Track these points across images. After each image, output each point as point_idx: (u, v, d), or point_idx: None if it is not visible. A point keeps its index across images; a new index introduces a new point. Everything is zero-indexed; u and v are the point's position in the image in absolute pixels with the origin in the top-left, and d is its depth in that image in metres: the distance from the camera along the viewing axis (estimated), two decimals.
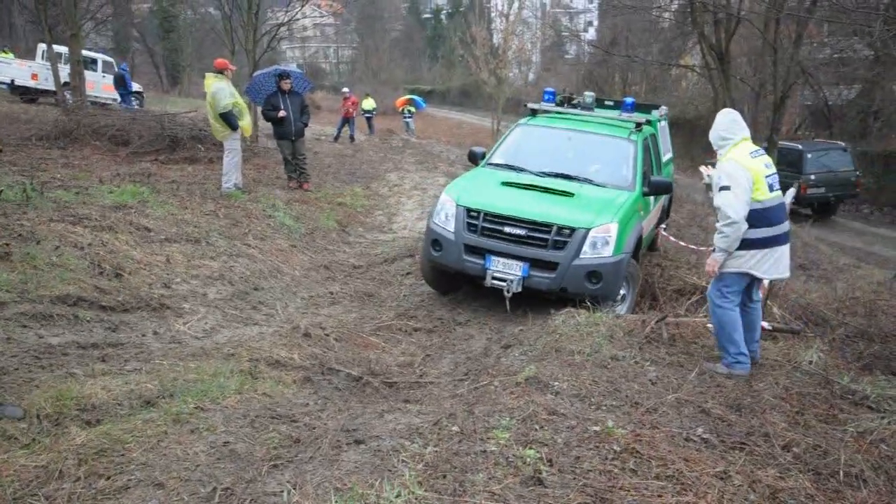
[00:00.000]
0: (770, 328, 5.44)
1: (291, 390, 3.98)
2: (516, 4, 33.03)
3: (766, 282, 5.60)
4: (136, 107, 19.65)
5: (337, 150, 18.55)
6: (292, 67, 11.49)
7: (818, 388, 4.44)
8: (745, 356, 4.57)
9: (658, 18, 29.37)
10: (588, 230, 5.90)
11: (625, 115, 7.61)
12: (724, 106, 15.18)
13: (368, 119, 25.69)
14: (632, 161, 7.06)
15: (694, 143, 26.59)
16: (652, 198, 7.34)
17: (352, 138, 21.90)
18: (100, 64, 22.81)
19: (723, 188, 4.34)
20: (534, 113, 7.99)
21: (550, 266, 5.96)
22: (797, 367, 4.80)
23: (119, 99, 20.44)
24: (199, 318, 5.20)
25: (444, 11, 67.56)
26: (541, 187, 6.44)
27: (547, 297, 6.10)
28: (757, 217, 4.35)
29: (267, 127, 11.87)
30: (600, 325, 5.23)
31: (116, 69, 21.76)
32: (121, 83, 20.42)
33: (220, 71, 9.20)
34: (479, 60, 29.27)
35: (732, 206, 4.27)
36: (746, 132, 4.58)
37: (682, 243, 7.69)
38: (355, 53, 67.80)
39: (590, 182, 6.74)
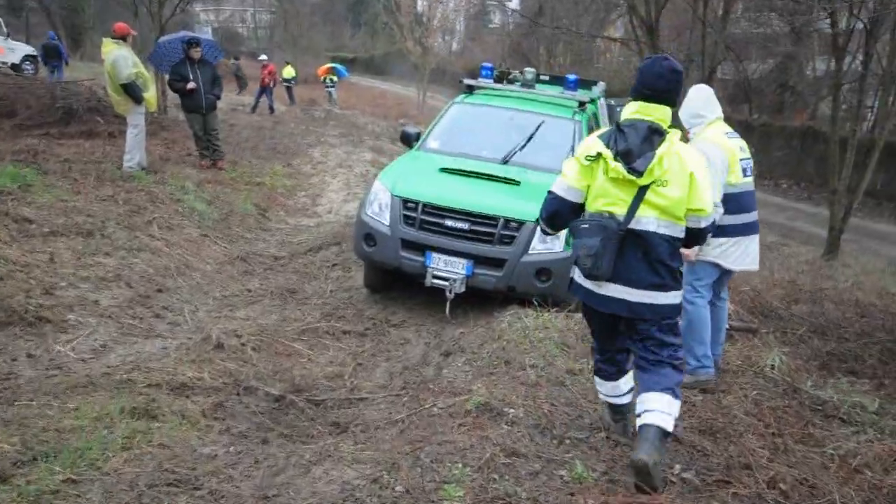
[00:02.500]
0: (727, 327, 5.12)
1: (197, 431, 3.30)
2: None
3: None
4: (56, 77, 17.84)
5: (255, 123, 17.46)
6: (204, 34, 10.43)
7: (787, 400, 4.11)
8: (709, 359, 4.21)
9: None
10: (536, 223, 5.39)
11: (567, 94, 7.10)
12: None
13: (289, 88, 24.44)
14: (577, 142, 6.58)
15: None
16: None
17: (271, 109, 20.75)
18: None
19: None
20: (470, 90, 7.38)
21: (497, 263, 5.44)
22: (760, 372, 4.47)
23: (52, 72, 18.51)
24: (87, 333, 4.40)
25: None
26: (483, 174, 5.88)
27: (492, 297, 5.59)
28: (729, 202, 4.00)
29: (175, 97, 10.78)
30: (551, 330, 4.76)
31: (47, 39, 19.71)
32: (54, 55, 18.62)
33: (121, 37, 8.17)
34: (404, 28, 28.33)
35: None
36: (720, 111, 4.19)
37: None
38: (274, 18, 64.97)
39: (535, 167, 6.22)
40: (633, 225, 2.89)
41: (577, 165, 2.99)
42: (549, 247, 5.42)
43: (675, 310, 3.02)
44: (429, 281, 5.50)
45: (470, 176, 5.89)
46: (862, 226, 15.52)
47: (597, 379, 3.35)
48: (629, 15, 15.13)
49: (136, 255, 5.81)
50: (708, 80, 15.43)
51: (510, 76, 7.53)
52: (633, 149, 2.83)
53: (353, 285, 6.47)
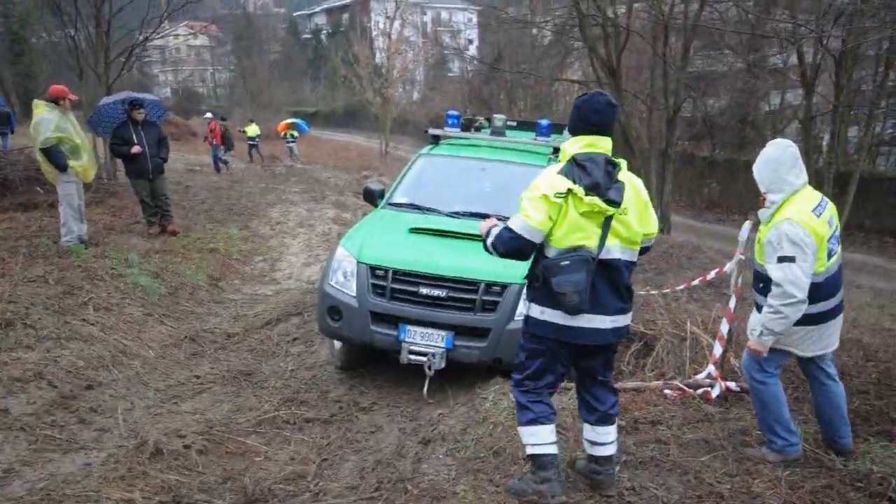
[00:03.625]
0: (738, 389, 4.58)
1: None
2: (398, 23, 32.19)
3: (724, 330, 4.76)
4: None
5: (213, 184, 16.82)
6: (161, 95, 9.80)
7: (824, 478, 3.55)
8: (795, 435, 3.70)
9: (540, 34, 29.41)
10: (523, 285, 4.84)
11: (540, 140, 6.65)
12: (620, 123, 14.89)
13: (253, 146, 23.97)
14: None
15: None
16: None
17: (218, 167, 20.03)
18: None
19: (783, 258, 3.35)
20: (436, 140, 6.89)
21: (480, 333, 4.84)
22: None
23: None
24: None
25: (324, 31, 65.98)
26: (458, 233, 5.31)
27: (474, 369, 4.98)
28: (813, 290, 3.41)
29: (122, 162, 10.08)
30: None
31: None
32: (4, 121, 17.84)
33: (54, 99, 7.54)
34: (363, 80, 28.15)
35: (798, 282, 3.32)
36: (806, 176, 3.57)
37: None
38: (233, 76, 64.78)
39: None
40: (602, 255, 2.99)
41: (545, 205, 2.96)
42: None
43: (629, 330, 3.30)
44: (405, 358, 4.88)
45: (444, 236, 5.32)
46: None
47: (530, 428, 3.17)
48: (590, 57, 15.04)
49: (65, 346, 5.09)
50: (673, 119, 15.39)
51: (477, 124, 7.07)
52: (600, 182, 2.93)
53: (317, 362, 5.81)
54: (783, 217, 3.41)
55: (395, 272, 4.97)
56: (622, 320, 3.10)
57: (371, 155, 32.40)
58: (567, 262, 2.92)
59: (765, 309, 3.46)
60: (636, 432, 3.94)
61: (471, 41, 53.30)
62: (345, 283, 5.12)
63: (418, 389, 4.95)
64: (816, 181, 9.71)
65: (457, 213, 5.73)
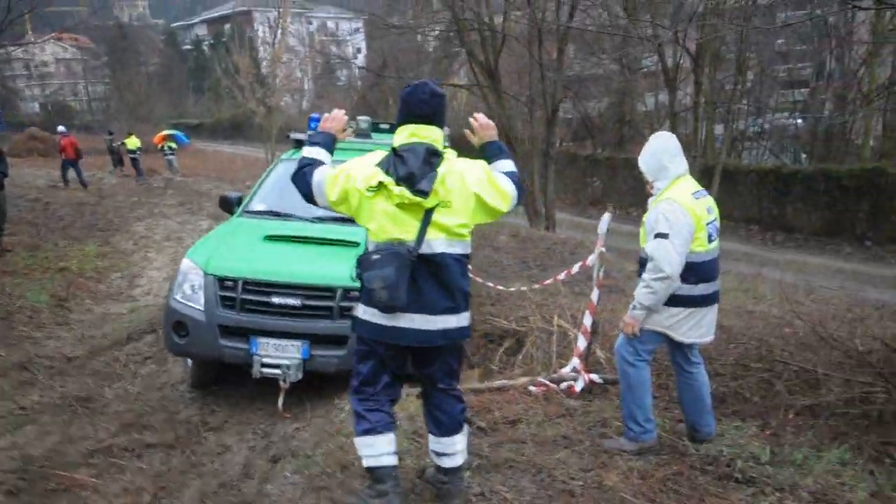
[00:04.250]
0: (602, 381, 4.53)
1: None
2: (279, 32, 31.36)
3: (588, 323, 4.71)
4: None
5: (77, 199, 15.70)
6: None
7: (675, 465, 3.51)
8: (652, 423, 3.69)
9: (424, 41, 29.49)
10: None
11: (381, 138, 6.44)
12: (500, 123, 15.01)
13: (134, 160, 22.57)
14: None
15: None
16: None
17: (83, 184, 18.63)
18: None
19: (659, 235, 3.43)
20: (299, 145, 6.57)
21: (338, 341, 4.56)
22: None
23: None
24: None
25: (206, 42, 63.61)
26: (318, 238, 5.03)
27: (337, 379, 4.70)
28: (689, 271, 3.49)
29: None
30: (400, 416, 3.93)
31: None
32: None
33: None
34: (245, 90, 27.15)
35: (669, 258, 3.40)
36: (686, 165, 3.67)
37: (491, 284, 6.66)
38: (109, 89, 61.32)
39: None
40: (423, 249, 2.82)
41: (344, 189, 2.87)
42: None
43: (466, 333, 2.97)
44: (257, 372, 4.54)
45: (301, 242, 5.02)
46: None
47: (366, 439, 2.95)
48: (469, 61, 15.08)
49: None
50: (552, 119, 15.67)
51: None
52: (415, 172, 2.77)
53: (168, 381, 5.36)
54: (662, 198, 3.52)
55: (246, 282, 4.63)
56: (453, 321, 2.87)
57: (258, 165, 31.24)
58: (378, 257, 2.77)
59: (639, 284, 3.56)
60: (494, 433, 3.78)
61: (359, 50, 52.96)
62: (191, 297, 4.73)
63: (274, 404, 4.61)
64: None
65: (320, 217, 5.44)
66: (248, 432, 4.44)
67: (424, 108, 2.88)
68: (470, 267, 7.18)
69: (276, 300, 4.58)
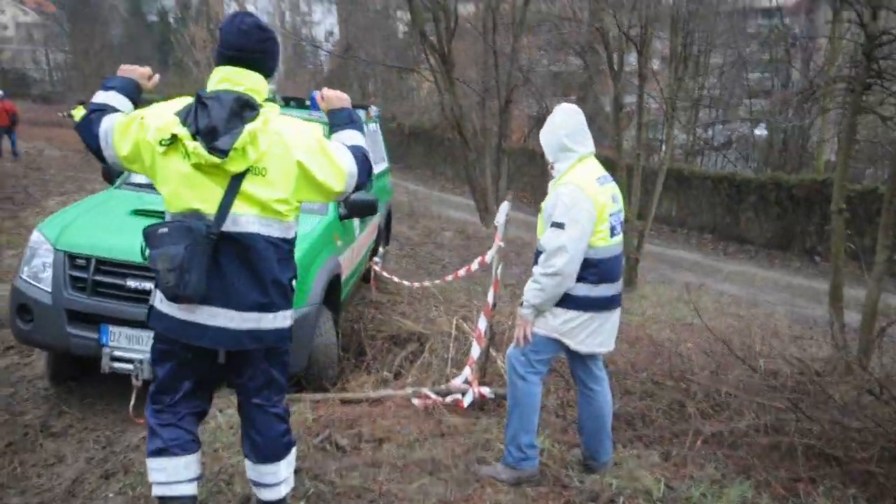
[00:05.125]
0: (493, 395, 4.09)
1: None
2: (250, 6, 30.51)
3: (483, 327, 4.26)
4: None
5: (2, 169, 14.83)
6: None
7: (550, 500, 3.09)
8: (535, 449, 3.25)
9: (394, 25, 28.90)
10: None
11: (314, 115, 5.92)
12: (452, 112, 14.53)
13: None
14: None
15: (433, 153, 26.44)
16: (357, 221, 5.74)
17: (14, 154, 17.74)
18: None
19: (555, 224, 2.99)
20: None
21: None
22: None
23: None
24: None
25: (173, 15, 61.74)
26: None
27: None
28: (587, 269, 3.06)
29: None
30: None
31: None
32: None
33: None
34: (201, 65, 26.29)
35: (564, 251, 2.99)
36: (592, 145, 3.21)
37: (397, 279, 6.19)
38: (70, 58, 59.14)
39: None
40: (227, 226, 2.28)
41: (150, 155, 2.31)
42: None
43: (284, 337, 2.46)
44: (106, 366, 3.99)
45: None
46: (660, 253, 15.82)
47: (157, 461, 2.45)
48: (421, 43, 14.57)
49: None
50: (504, 109, 15.26)
51: None
52: (218, 126, 2.21)
53: (27, 376, 4.79)
54: (563, 181, 3.09)
55: (99, 261, 4.07)
56: (267, 320, 2.37)
57: None
58: (165, 230, 2.24)
59: (530, 279, 3.13)
60: (352, 454, 3.31)
61: (331, 33, 51.95)
62: (38, 276, 4.17)
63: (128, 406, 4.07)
64: (628, 174, 9.78)
65: None
66: (89, 441, 3.91)
67: (243, 40, 2.34)
68: (378, 260, 6.78)
69: (131, 283, 4.03)
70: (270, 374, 2.47)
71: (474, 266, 4.67)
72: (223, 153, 2.19)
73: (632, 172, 9.64)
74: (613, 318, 3.29)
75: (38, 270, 4.19)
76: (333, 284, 4.76)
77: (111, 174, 5.26)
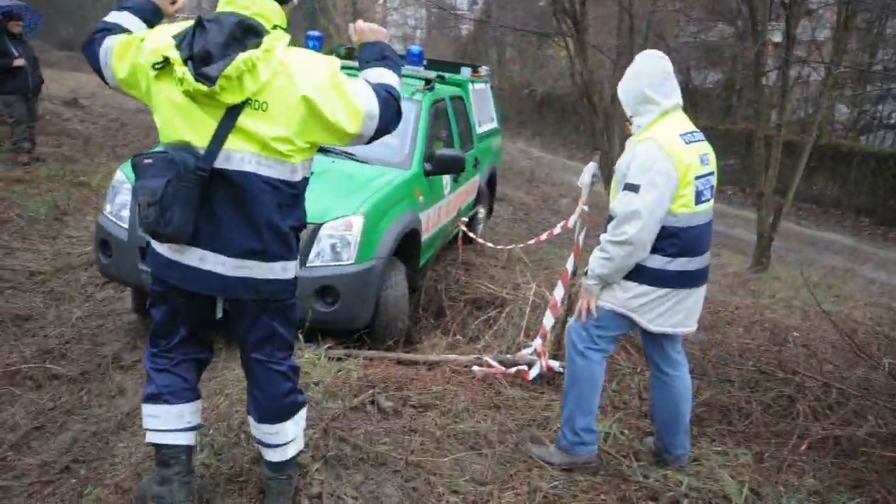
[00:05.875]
0: (562, 369, 3.69)
1: None
2: None
3: (558, 296, 3.86)
4: None
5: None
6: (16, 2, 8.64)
7: (600, 492, 2.69)
8: (593, 434, 2.87)
9: None
10: (318, 225, 3.95)
11: (409, 69, 5.70)
12: (581, 78, 13.80)
13: None
14: (411, 129, 5.17)
15: (564, 120, 25.61)
16: (447, 179, 5.48)
17: None
18: None
19: (629, 186, 2.63)
20: None
21: None
22: None
23: None
24: None
25: None
26: None
27: None
28: (667, 238, 2.68)
29: None
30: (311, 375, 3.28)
31: None
32: None
33: None
34: (341, 27, 26.87)
35: (637, 218, 2.59)
36: (679, 96, 2.77)
37: (482, 241, 5.85)
38: None
39: (350, 157, 4.84)
40: (220, 163, 2.04)
41: (145, 80, 2.10)
42: (334, 257, 3.96)
43: (284, 288, 2.22)
44: None
45: None
46: (807, 234, 14.40)
47: (151, 407, 2.30)
48: (552, 5, 13.89)
49: None
50: None
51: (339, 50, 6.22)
52: (213, 50, 1.96)
53: (116, 309, 4.96)
54: (642, 138, 2.65)
55: None
56: (262, 270, 2.13)
57: None
58: (150, 161, 2.00)
59: (597, 247, 2.74)
60: (394, 417, 3.06)
61: (475, 2, 51.63)
62: (119, 214, 4.27)
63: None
64: (766, 146, 8.76)
65: (329, 151, 4.87)
66: None
67: None
68: (466, 220, 6.41)
69: None
70: (272, 328, 2.24)
71: (556, 230, 4.26)
72: (211, 80, 1.93)
73: (770, 144, 8.63)
74: (696, 295, 2.81)
75: (119, 208, 4.27)
76: (410, 240, 4.56)
77: None
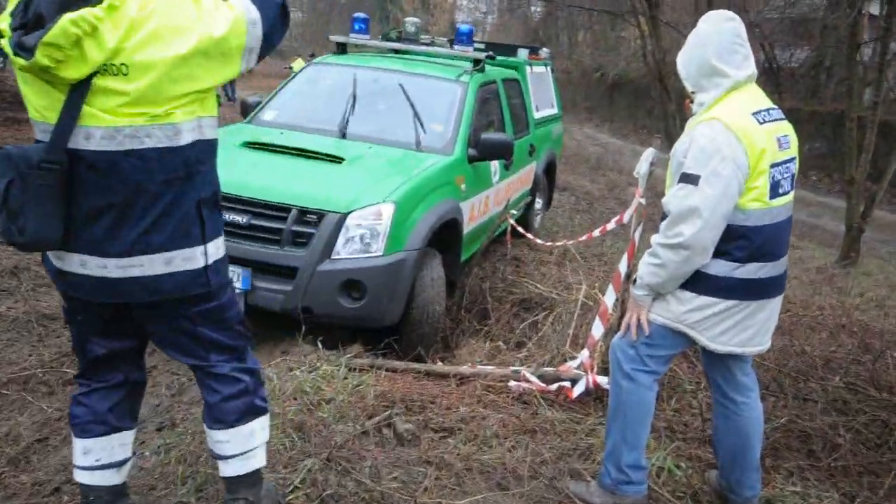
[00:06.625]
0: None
1: None
2: None
3: (609, 302, 3.39)
4: None
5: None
6: None
7: None
8: (642, 471, 2.43)
9: None
10: (345, 215, 3.64)
11: (458, 50, 5.34)
12: (654, 58, 13.02)
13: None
14: (455, 112, 4.80)
15: (636, 105, 24.64)
16: (496, 166, 5.07)
17: (231, 99, 18.31)
18: None
19: (686, 177, 2.17)
20: (342, 49, 5.74)
21: (287, 273, 3.69)
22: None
23: None
24: None
25: None
26: (300, 150, 4.19)
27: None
28: (734, 241, 2.21)
29: None
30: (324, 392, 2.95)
31: None
32: None
33: None
34: (408, 13, 26.82)
35: (695, 216, 2.13)
36: (753, 67, 2.29)
37: (531, 235, 5.38)
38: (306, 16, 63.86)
39: (383, 141, 4.53)
40: (79, 144, 1.66)
41: None
42: (362, 248, 3.63)
43: (193, 280, 1.85)
44: None
45: (280, 152, 4.24)
46: None
47: (78, 442, 2.02)
48: None
49: None
50: None
51: (396, 32, 5.94)
52: (43, 12, 1.57)
53: None
54: (704, 118, 2.20)
55: None
56: (152, 265, 1.78)
57: None
58: None
59: (647, 250, 2.29)
60: (411, 444, 2.68)
61: None
62: None
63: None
64: (859, 128, 7.93)
65: (323, 130, 4.62)
66: (162, 385, 3.70)
67: None
68: (515, 213, 5.91)
69: (226, 216, 3.76)
70: (193, 330, 1.91)
71: (611, 225, 3.79)
72: (29, 52, 1.55)
73: (863, 125, 7.79)
74: (769, 308, 2.31)
75: None
76: (449, 231, 4.20)
77: (247, 111, 5.20)
